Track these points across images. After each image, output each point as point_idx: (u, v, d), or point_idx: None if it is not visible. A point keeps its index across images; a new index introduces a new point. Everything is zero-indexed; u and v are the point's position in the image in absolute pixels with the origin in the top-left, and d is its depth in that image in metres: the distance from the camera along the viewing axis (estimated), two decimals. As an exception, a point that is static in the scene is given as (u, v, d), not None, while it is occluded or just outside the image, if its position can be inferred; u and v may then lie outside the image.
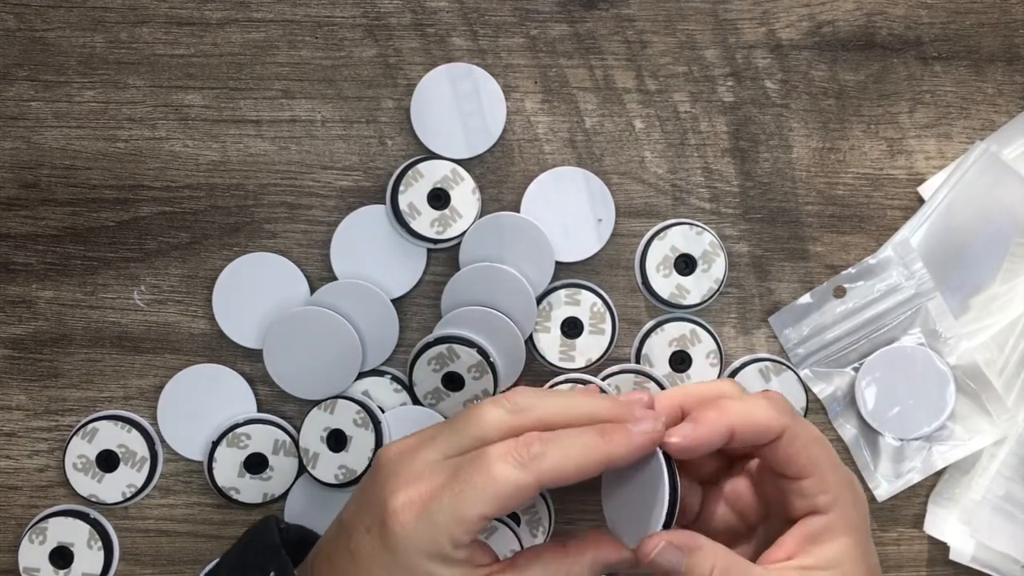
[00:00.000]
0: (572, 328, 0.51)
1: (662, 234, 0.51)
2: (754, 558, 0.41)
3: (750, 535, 0.45)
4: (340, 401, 0.50)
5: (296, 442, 0.51)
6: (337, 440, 0.50)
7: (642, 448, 0.40)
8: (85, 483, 0.51)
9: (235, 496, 0.51)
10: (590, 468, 0.39)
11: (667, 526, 0.40)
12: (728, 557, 0.40)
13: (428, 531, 0.38)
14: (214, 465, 0.50)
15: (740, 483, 0.45)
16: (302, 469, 0.51)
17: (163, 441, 0.51)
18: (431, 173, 0.50)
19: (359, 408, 0.50)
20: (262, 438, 0.50)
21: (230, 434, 0.50)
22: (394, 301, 0.51)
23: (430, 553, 0.38)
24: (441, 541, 0.38)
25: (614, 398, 0.43)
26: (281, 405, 0.51)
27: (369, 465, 0.50)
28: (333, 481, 0.50)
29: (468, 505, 0.38)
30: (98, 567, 0.51)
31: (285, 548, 0.43)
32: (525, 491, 0.38)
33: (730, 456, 0.46)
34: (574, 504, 0.52)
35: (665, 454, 0.41)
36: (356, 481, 0.50)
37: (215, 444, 0.50)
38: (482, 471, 0.38)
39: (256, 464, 0.51)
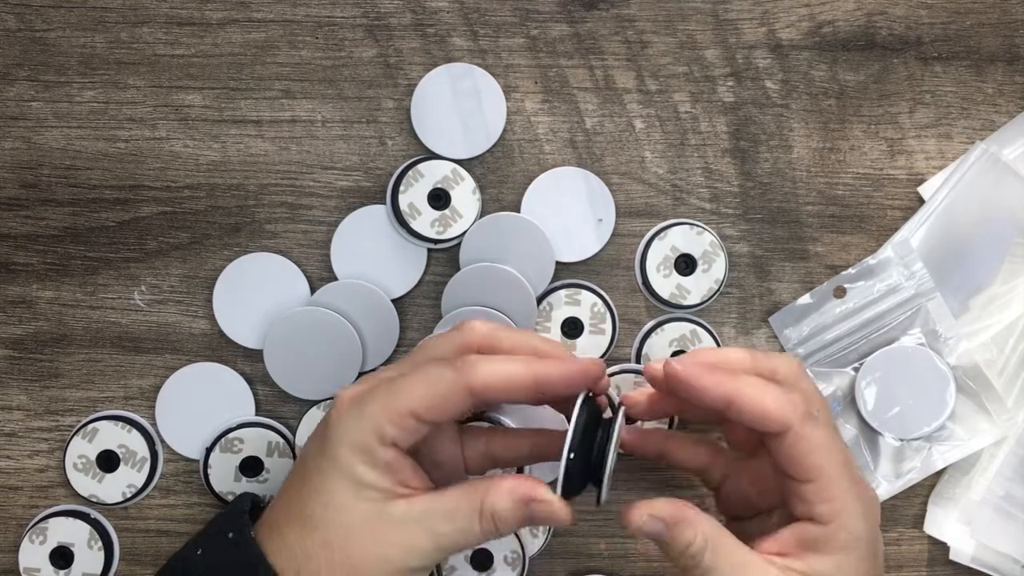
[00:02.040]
0: (572, 328, 0.51)
1: (662, 234, 0.51)
2: (774, 532, 0.41)
3: (770, 513, 0.44)
4: None
5: (290, 443, 0.51)
6: None
7: (574, 376, 0.40)
8: (85, 483, 0.51)
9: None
10: (520, 384, 0.39)
11: (570, 473, 0.39)
12: (716, 531, 0.40)
13: (357, 420, 0.39)
14: (209, 471, 0.50)
15: (766, 463, 0.44)
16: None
17: (163, 441, 0.51)
18: (431, 173, 0.50)
19: None
20: (255, 441, 0.50)
21: (223, 439, 0.50)
22: (394, 301, 0.51)
23: (355, 444, 0.39)
24: (366, 432, 0.39)
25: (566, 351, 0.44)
26: (281, 405, 0.51)
27: None
28: None
29: (398, 397, 0.39)
30: (98, 567, 0.51)
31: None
32: (456, 391, 0.39)
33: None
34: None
35: (608, 419, 0.41)
36: None
37: (208, 450, 0.50)
38: (419, 371, 0.39)
39: (251, 467, 0.51)
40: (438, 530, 0.39)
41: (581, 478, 0.41)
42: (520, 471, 0.50)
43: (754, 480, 0.44)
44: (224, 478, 0.50)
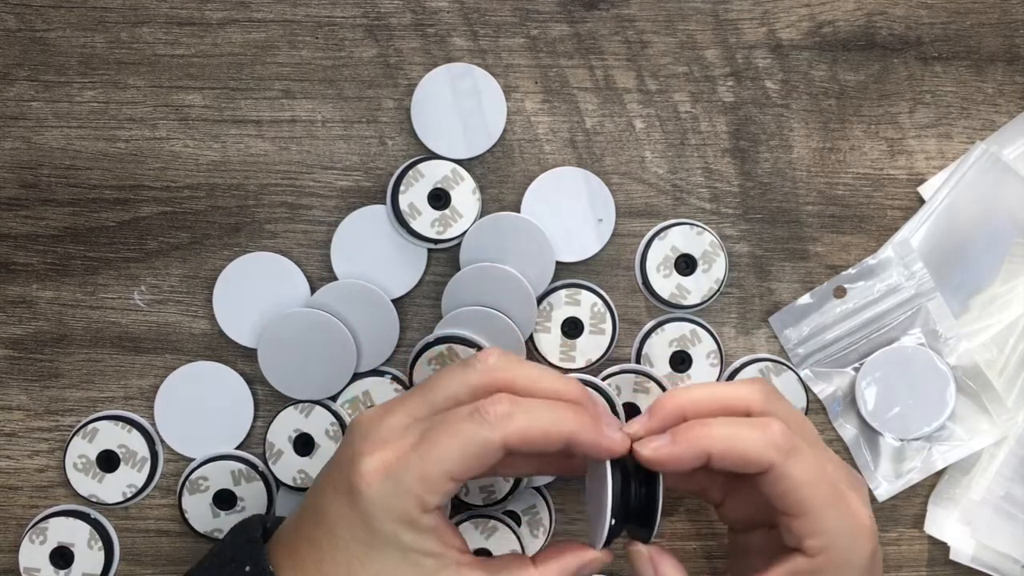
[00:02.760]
0: (572, 328, 0.51)
1: (662, 234, 0.51)
2: (776, 544, 0.41)
3: (772, 527, 0.44)
4: (317, 408, 0.50)
5: (253, 466, 0.50)
6: (304, 444, 0.50)
7: (603, 453, 0.40)
8: (85, 483, 0.51)
9: (220, 536, 0.50)
10: (555, 439, 0.38)
11: (614, 533, 0.40)
12: None
13: (394, 493, 0.38)
14: (187, 516, 0.50)
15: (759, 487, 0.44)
16: (269, 489, 0.51)
17: (163, 441, 0.51)
18: (431, 173, 0.50)
19: (334, 420, 0.50)
20: (218, 475, 0.50)
21: (187, 482, 0.50)
22: (394, 301, 0.51)
23: (396, 517, 0.38)
24: (407, 503, 0.38)
25: (586, 389, 0.43)
26: (280, 405, 0.51)
27: None
28: (289, 483, 0.50)
29: (433, 464, 0.37)
30: (98, 567, 0.50)
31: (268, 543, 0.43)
32: (490, 449, 0.38)
33: None
34: (574, 504, 0.52)
35: (631, 462, 0.41)
36: None
37: (179, 496, 0.50)
38: (448, 430, 0.38)
39: (225, 500, 0.50)
40: None
41: (615, 533, 0.41)
42: (517, 519, 0.51)
43: (749, 501, 0.44)
44: (203, 518, 0.50)
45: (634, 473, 0.41)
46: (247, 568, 0.40)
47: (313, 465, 0.50)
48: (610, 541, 0.41)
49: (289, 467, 0.50)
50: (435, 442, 0.38)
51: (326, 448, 0.50)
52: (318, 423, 0.50)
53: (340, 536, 0.39)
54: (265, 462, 0.51)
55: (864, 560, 0.40)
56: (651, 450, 0.40)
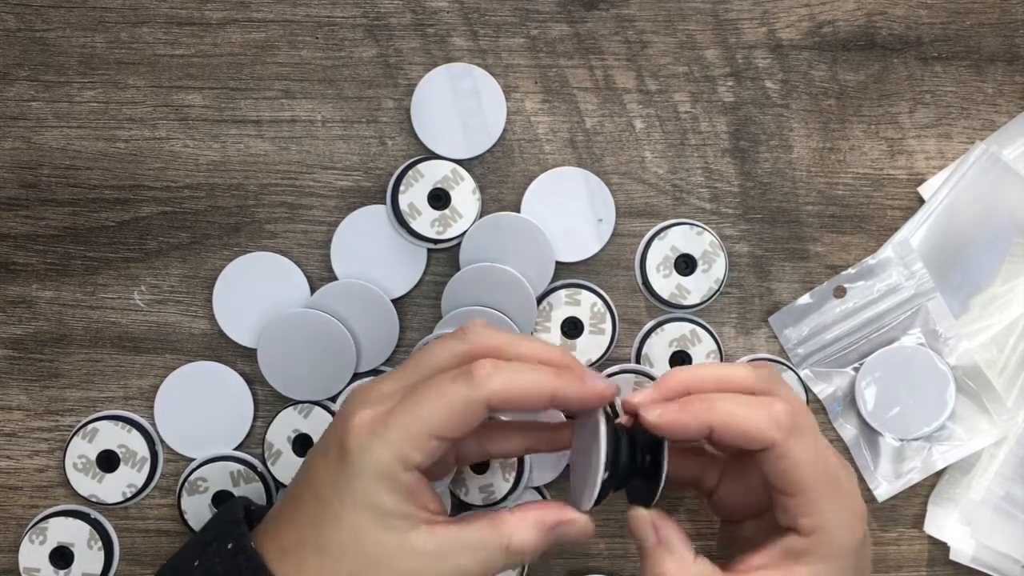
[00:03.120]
0: (572, 328, 0.51)
1: (662, 234, 0.51)
2: (766, 535, 0.42)
3: (761, 516, 0.44)
4: (316, 409, 0.50)
5: (252, 467, 0.51)
6: (303, 445, 0.50)
7: (591, 398, 0.40)
8: (85, 483, 0.51)
9: None
10: (537, 398, 0.39)
11: (606, 488, 0.40)
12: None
13: (379, 447, 0.38)
14: (187, 518, 0.50)
15: (754, 470, 0.43)
16: (268, 490, 0.51)
17: (163, 441, 0.51)
18: (431, 173, 0.50)
19: None
20: (218, 477, 0.50)
21: (187, 483, 0.50)
22: (394, 301, 0.51)
23: (378, 471, 0.38)
24: (390, 459, 0.38)
25: (570, 355, 0.43)
26: (280, 405, 0.51)
27: None
28: (287, 483, 0.50)
29: (419, 422, 0.38)
30: (98, 567, 0.50)
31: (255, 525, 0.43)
32: (474, 407, 0.38)
33: None
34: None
35: (619, 424, 0.41)
36: None
37: (178, 497, 0.50)
38: (433, 391, 0.39)
39: (223, 501, 0.50)
40: (461, 563, 0.39)
41: (606, 490, 0.41)
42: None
43: (744, 487, 0.44)
44: (202, 519, 0.50)
45: (640, 441, 0.41)
46: (228, 545, 0.41)
47: None
48: (600, 500, 0.40)
49: (288, 467, 0.50)
50: (420, 401, 0.39)
51: None
52: (317, 424, 0.50)
53: (324, 500, 0.39)
54: (264, 462, 0.51)
55: (855, 543, 0.41)
56: (656, 415, 0.40)
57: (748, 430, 0.40)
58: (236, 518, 0.42)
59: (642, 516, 0.41)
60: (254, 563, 0.39)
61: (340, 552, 0.38)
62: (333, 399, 0.51)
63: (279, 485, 0.51)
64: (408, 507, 0.39)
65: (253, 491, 0.50)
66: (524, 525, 0.40)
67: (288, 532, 0.40)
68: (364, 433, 0.39)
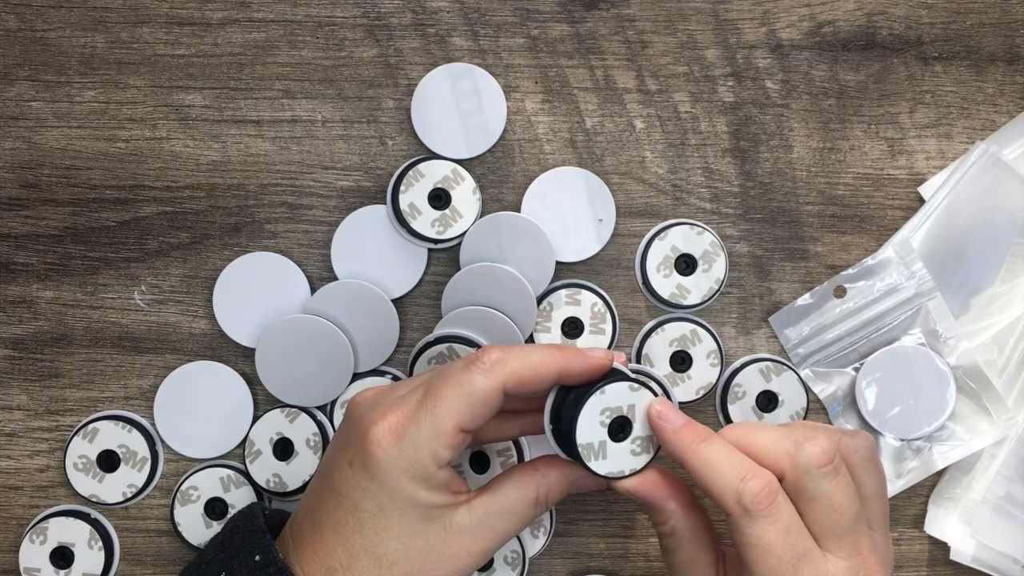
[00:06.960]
0: (572, 328, 0.51)
1: (663, 234, 0.51)
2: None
3: None
4: (303, 415, 0.50)
5: (240, 471, 0.51)
6: (284, 449, 0.50)
7: (595, 367, 0.42)
8: (86, 483, 0.51)
9: None
10: (548, 374, 0.41)
11: (562, 442, 0.42)
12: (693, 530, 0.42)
13: (410, 451, 0.39)
14: (180, 529, 0.51)
15: None
16: (259, 493, 0.51)
17: (163, 441, 0.51)
18: (432, 173, 0.50)
19: (317, 431, 0.50)
20: (208, 483, 0.50)
21: (178, 494, 0.50)
22: (395, 301, 0.51)
23: (413, 474, 0.40)
24: (423, 460, 0.39)
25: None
26: (280, 405, 0.51)
27: (303, 486, 0.50)
28: (263, 485, 0.50)
29: (443, 419, 0.39)
30: (99, 567, 0.51)
31: (269, 532, 0.43)
32: (492, 395, 0.40)
33: None
34: (575, 504, 0.52)
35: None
36: (284, 494, 0.50)
37: (171, 510, 0.50)
38: (448, 383, 0.40)
39: (216, 508, 0.51)
40: (499, 528, 0.41)
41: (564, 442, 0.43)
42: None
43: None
44: (196, 529, 0.51)
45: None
46: (256, 558, 0.41)
47: (289, 471, 0.50)
48: (572, 455, 0.42)
49: (265, 469, 0.50)
50: (439, 397, 0.40)
51: (304, 456, 0.50)
52: (301, 430, 0.50)
53: (365, 510, 0.40)
54: (243, 460, 0.51)
55: None
56: (656, 413, 0.41)
57: (708, 487, 0.40)
58: (259, 527, 0.42)
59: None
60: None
61: (395, 555, 0.40)
62: (333, 400, 0.51)
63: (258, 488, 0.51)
64: (447, 498, 0.41)
65: (244, 495, 0.51)
66: (547, 481, 0.42)
67: (336, 551, 0.40)
68: (392, 441, 0.40)
